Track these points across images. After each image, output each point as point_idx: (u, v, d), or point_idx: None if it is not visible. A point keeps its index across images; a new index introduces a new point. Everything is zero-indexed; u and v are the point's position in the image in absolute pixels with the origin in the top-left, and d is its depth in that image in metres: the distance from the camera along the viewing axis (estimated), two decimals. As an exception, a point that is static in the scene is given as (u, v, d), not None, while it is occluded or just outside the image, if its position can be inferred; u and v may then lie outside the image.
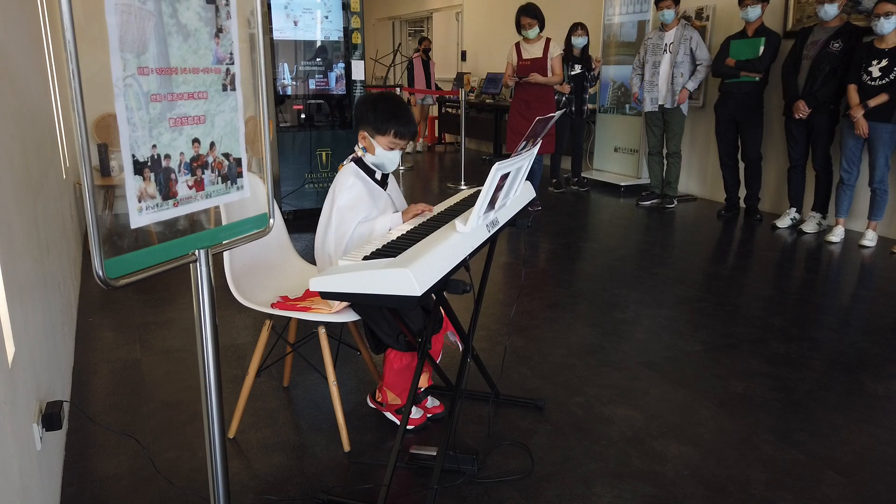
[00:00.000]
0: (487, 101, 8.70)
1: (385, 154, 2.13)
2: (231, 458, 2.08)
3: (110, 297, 3.50)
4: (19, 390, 1.53)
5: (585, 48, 6.21)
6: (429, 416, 2.33)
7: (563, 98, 6.13)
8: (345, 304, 2.03)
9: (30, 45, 2.83)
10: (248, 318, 3.22)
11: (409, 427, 2.23)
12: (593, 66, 6.34)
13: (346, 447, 2.13)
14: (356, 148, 2.17)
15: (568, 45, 6.13)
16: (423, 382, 2.26)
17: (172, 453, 2.11)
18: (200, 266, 1.32)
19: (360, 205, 2.07)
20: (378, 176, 2.19)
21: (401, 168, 8.03)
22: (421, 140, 9.96)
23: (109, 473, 2.01)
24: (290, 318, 2.21)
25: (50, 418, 1.76)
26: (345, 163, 2.18)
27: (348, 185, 2.09)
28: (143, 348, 2.89)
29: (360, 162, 2.17)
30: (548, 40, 5.30)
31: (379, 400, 2.30)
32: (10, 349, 1.51)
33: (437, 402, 2.37)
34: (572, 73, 6.17)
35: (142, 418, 2.32)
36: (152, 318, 3.23)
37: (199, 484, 1.95)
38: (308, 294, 2.21)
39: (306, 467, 2.05)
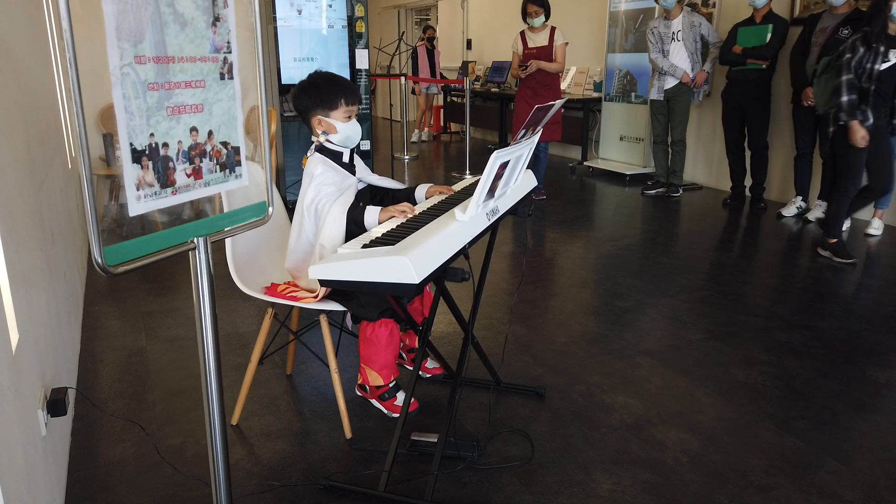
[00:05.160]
0: (493, 89, 8.66)
1: (346, 126, 2.11)
2: (234, 445, 2.11)
3: (116, 287, 3.53)
4: (23, 377, 1.56)
5: None
6: (429, 375, 2.48)
7: None
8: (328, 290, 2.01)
9: (33, 35, 2.84)
10: (252, 306, 3.24)
11: (394, 415, 2.25)
12: None
13: (348, 434, 2.15)
14: (315, 138, 2.16)
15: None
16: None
17: (177, 440, 2.14)
18: (199, 254, 1.33)
19: (332, 188, 2.07)
20: (345, 158, 2.17)
21: (405, 158, 8.02)
22: (426, 129, 9.94)
23: (115, 459, 2.04)
24: (293, 306, 2.23)
25: (55, 404, 1.78)
26: (308, 155, 2.16)
27: (318, 174, 2.08)
28: (148, 336, 2.92)
29: (323, 150, 2.15)
30: (553, 29, 5.27)
31: (360, 382, 2.30)
32: (14, 336, 1.53)
33: (435, 364, 2.42)
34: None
35: (147, 405, 2.35)
36: (158, 307, 3.26)
37: (203, 470, 1.98)
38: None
39: (308, 454, 2.07)
